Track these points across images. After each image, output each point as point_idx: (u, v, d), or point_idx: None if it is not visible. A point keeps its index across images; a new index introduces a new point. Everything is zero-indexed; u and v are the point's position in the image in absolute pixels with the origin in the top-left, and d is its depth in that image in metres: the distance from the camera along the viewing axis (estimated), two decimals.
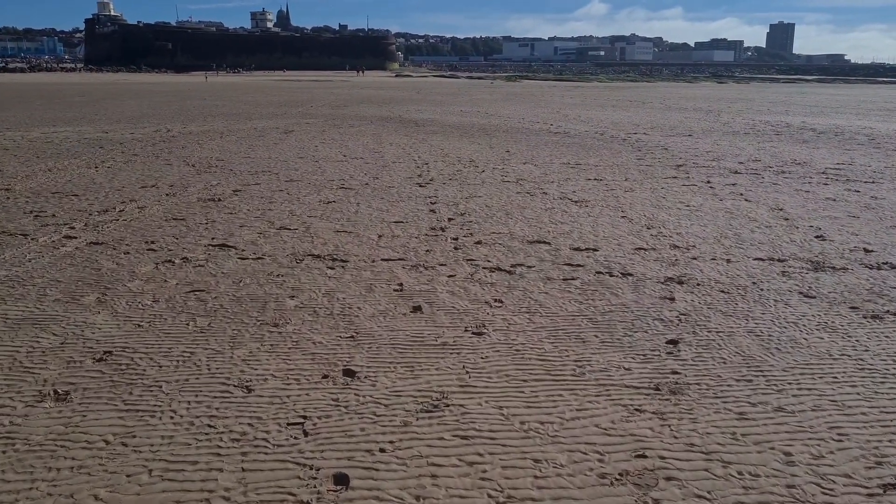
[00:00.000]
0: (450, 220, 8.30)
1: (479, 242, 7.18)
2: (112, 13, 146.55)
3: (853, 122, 23.76)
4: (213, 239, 7.24)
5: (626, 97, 40.84)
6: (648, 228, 7.88)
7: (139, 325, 4.78)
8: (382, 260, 6.52)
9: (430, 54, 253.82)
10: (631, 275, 6.05)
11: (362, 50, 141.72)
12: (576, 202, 9.43)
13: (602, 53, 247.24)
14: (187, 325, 4.81)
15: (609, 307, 5.21)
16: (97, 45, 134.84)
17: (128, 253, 6.65)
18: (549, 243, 7.15)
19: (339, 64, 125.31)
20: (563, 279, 5.93)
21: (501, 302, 5.34)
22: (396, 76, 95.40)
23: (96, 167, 12.23)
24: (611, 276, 6.03)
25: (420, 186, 10.68)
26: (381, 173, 11.94)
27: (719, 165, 13.12)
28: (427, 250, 6.86)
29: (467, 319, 4.95)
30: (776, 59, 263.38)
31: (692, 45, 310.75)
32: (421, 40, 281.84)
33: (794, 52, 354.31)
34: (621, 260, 6.54)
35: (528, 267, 6.28)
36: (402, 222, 8.15)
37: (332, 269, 6.22)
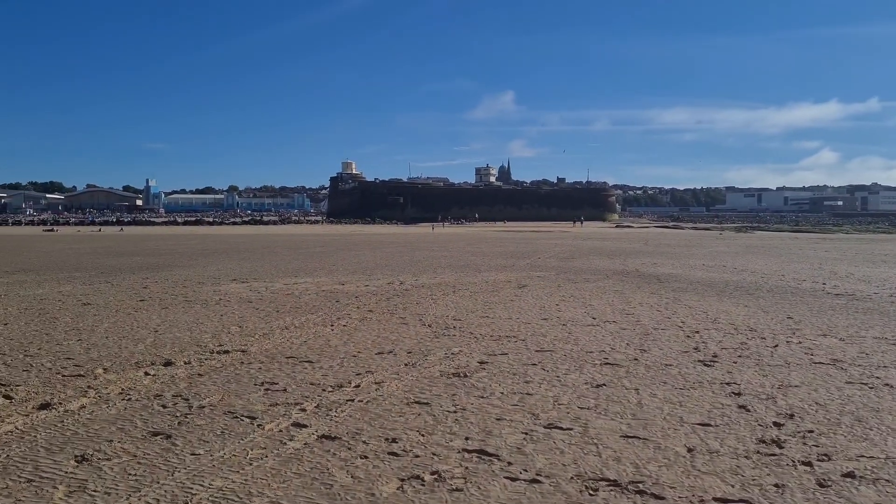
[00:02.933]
0: (777, 425, 6.03)
1: (850, 475, 4.84)
2: (353, 171, 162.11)
3: None
4: (467, 439, 5.59)
5: (894, 251, 35.60)
6: None
7: None
8: (715, 500, 4.42)
9: (648, 205, 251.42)
10: None
11: (580, 201, 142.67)
12: None
13: (840, 203, 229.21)
14: None
15: None
16: (339, 199, 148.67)
17: (366, 457, 5.16)
18: None
19: (557, 215, 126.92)
20: None
21: None
22: (617, 227, 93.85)
23: (332, 325, 11.46)
24: None
25: (705, 366, 8.49)
26: (646, 343, 9.93)
27: None
28: (776, 485, 4.65)
29: None
30: None
31: None
32: (639, 191, 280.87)
33: None
34: None
35: None
36: (709, 425, 6.02)
37: None
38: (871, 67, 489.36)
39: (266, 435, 5.66)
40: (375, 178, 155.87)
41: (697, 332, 10.97)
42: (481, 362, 8.61)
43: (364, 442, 5.50)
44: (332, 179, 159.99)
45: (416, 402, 6.72)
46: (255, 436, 5.63)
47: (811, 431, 5.84)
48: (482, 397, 6.93)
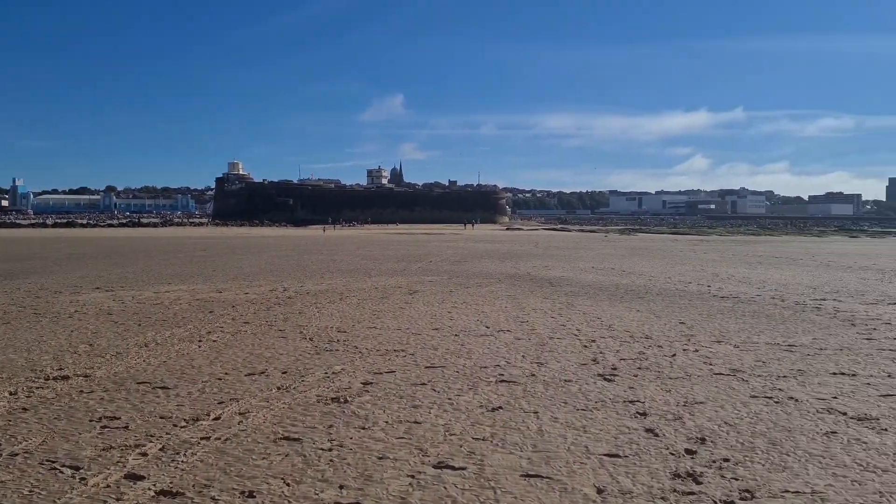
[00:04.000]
0: (689, 453, 5.45)
1: None
2: (241, 172, 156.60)
3: None
4: (341, 488, 4.67)
5: (765, 253, 37.23)
6: None
7: None
8: None
9: (537, 208, 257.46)
10: None
11: (472, 204, 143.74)
12: (858, 420, 6.38)
13: (713, 206, 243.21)
14: None
15: None
16: (225, 201, 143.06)
17: None
18: None
19: (449, 217, 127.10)
20: None
21: None
22: (507, 229, 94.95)
23: (200, 341, 10.22)
24: None
25: (605, 380, 7.93)
26: (542, 355, 9.32)
27: None
28: None
29: None
30: None
31: (805, 198, 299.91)
32: (528, 194, 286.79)
33: None
34: None
35: None
36: (618, 456, 5.36)
37: None
38: (736, 79, 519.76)
39: (88, 493, 4.52)
40: (264, 180, 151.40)
41: (594, 340, 10.50)
42: (365, 383, 7.70)
43: (213, 498, 4.47)
44: (217, 180, 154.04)
45: (285, 438, 5.73)
46: (73, 495, 4.48)
47: (727, 460, 5.28)
48: (363, 429, 6.02)
